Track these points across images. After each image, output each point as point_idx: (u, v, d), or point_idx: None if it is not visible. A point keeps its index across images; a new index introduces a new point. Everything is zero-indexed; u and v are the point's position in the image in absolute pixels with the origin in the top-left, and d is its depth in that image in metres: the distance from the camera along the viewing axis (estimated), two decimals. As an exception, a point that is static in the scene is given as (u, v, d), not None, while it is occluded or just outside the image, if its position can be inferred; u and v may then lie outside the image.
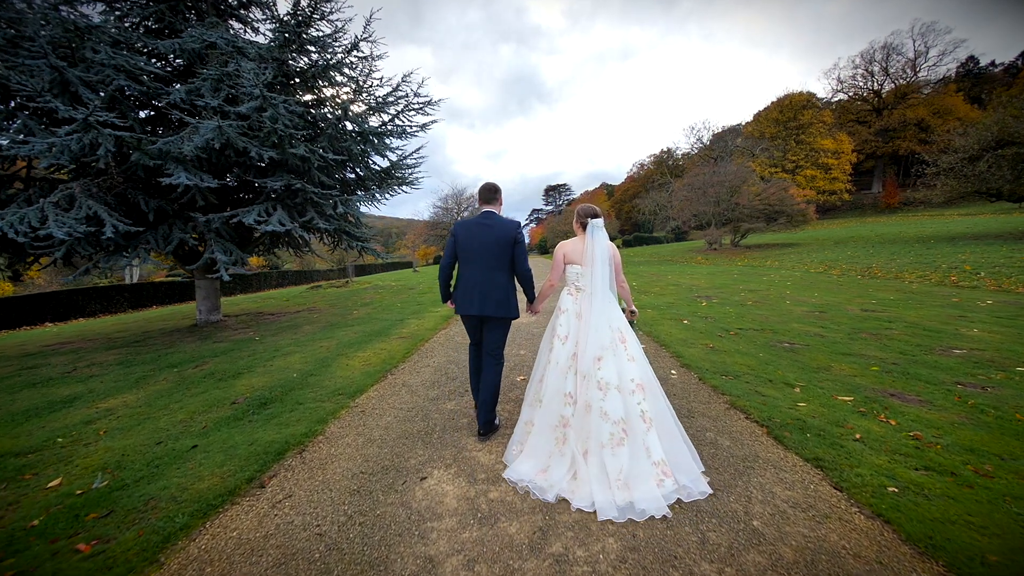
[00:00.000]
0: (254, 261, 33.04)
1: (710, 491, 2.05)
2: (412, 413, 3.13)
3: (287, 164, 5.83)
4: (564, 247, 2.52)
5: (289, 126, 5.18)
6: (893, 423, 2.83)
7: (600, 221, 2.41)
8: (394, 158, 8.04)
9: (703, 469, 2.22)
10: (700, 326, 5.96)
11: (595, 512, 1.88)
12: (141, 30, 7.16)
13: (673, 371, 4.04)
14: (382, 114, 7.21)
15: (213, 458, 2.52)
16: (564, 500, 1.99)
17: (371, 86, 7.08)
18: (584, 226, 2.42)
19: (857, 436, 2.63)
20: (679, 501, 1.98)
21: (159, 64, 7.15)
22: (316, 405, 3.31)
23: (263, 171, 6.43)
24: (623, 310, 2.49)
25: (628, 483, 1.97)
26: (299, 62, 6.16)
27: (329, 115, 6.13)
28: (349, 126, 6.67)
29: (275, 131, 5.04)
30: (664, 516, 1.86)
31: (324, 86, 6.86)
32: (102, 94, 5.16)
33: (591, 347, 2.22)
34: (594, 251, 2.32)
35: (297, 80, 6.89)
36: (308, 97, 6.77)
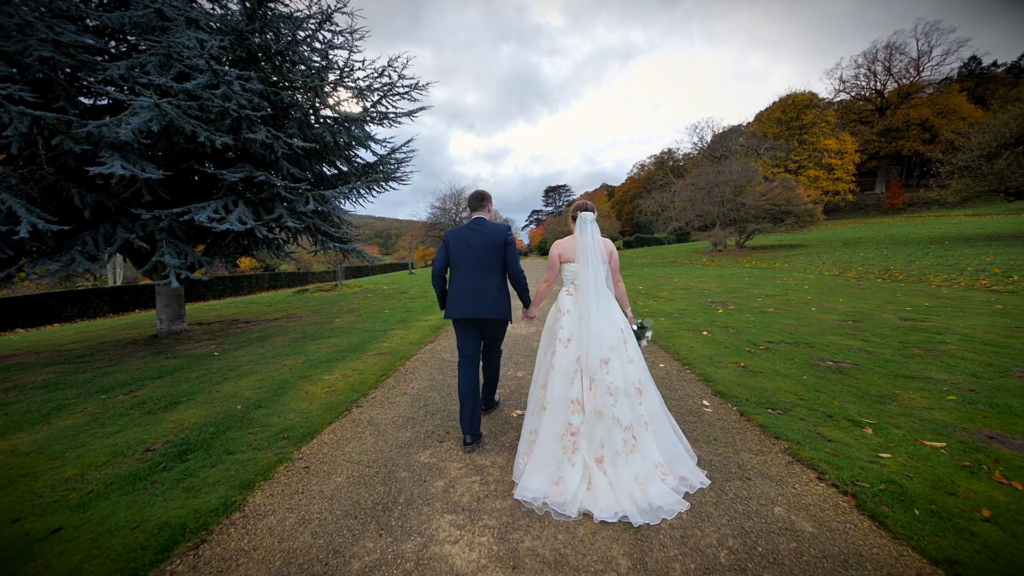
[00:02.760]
0: (245, 263, 32.13)
1: (709, 481, 2.11)
2: (372, 470, 2.36)
3: (249, 153, 5.06)
4: (560, 245, 2.42)
5: (246, 106, 4.41)
6: (1019, 487, 2.09)
7: (591, 215, 2.30)
8: (379, 150, 7.27)
9: (696, 460, 2.27)
10: (723, 339, 5.21)
11: (622, 520, 1.84)
12: (94, 4, 6.41)
13: (705, 401, 3.28)
14: (363, 100, 6.44)
15: (71, 553, 1.75)
16: (587, 513, 1.88)
17: (352, 69, 6.31)
18: (575, 219, 2.34)
19: (985, 514, 1.88)
20: (686, 495, 2.00)
21: (114, 44, 6.41)
22: (249, 456, 2.53)
23: (227, 162, 5.65)
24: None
25: (646, 488, 1.96)
26: (265, 36, 5.35)
27: (300, 97, 5.36)
28: (325, 111, 5.90)
29: (227, 112, 4.27)
30: (687, 509, 1.90)
31: (299, 68, 6.08)
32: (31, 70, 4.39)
33: (597, 348, 2.15)
34: (586, 246, 2.24)
35: (276, 62, 6.11)
36: (278, 80, 5.99)
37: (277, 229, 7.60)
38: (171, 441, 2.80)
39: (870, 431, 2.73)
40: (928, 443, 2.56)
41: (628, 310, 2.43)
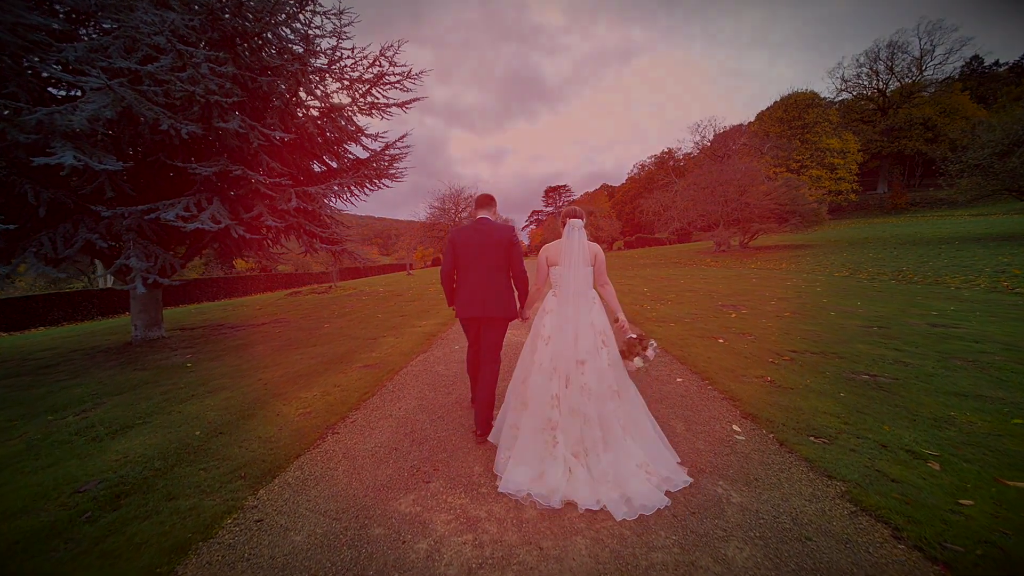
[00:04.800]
0: (241, 264, 31.57)
1: (690, 479, 2.12)
2: (340, 524, 1.92)
3: (226, 145, 4.62)
4: (547, 249, 2.51)
5: (215, 91, 3.97)
6: None
7: (579, 222, 2.39)
8: (371, 144, 6.83)
9: (679, 460, 2.28)
10: (742, 347, 4.78)
11: (602, 511, 1.89)
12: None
13: (735, 426, 2.84)
14: (353, 91, 6.00)
15: (-78, 662, 1.31)
16: (570, 503, 1.96)
17: (340, 56, 5.87)
18: (565, 225, 2.43)
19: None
20: (668, 493, 2.00)
21: (85, 31, 5.97)
22: (193, 503, 2.09)
23: (204, 155, 5.20)
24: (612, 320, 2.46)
25: (621, 484, 2.00)
26: (243, 15, 4.87)
27: (281, 85, 4.92)
28: (312, 101, 5.45)
29: (195, 97, 3.83)
30: (667, 505, 1.93)
31: (284, 56, 5.64)
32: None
33: (574, 349, 2.22)
34: (572, 249, 2.33)
35: (254, 45, 5.63)
36: (256, 64, 5.52)
37: (264, 229, 7.18)
38: (107, 479, 2.36)
39: (937, 466, 2.30)
40: (1012, 483, 2.13)
41: (620, 314, 2.50)
